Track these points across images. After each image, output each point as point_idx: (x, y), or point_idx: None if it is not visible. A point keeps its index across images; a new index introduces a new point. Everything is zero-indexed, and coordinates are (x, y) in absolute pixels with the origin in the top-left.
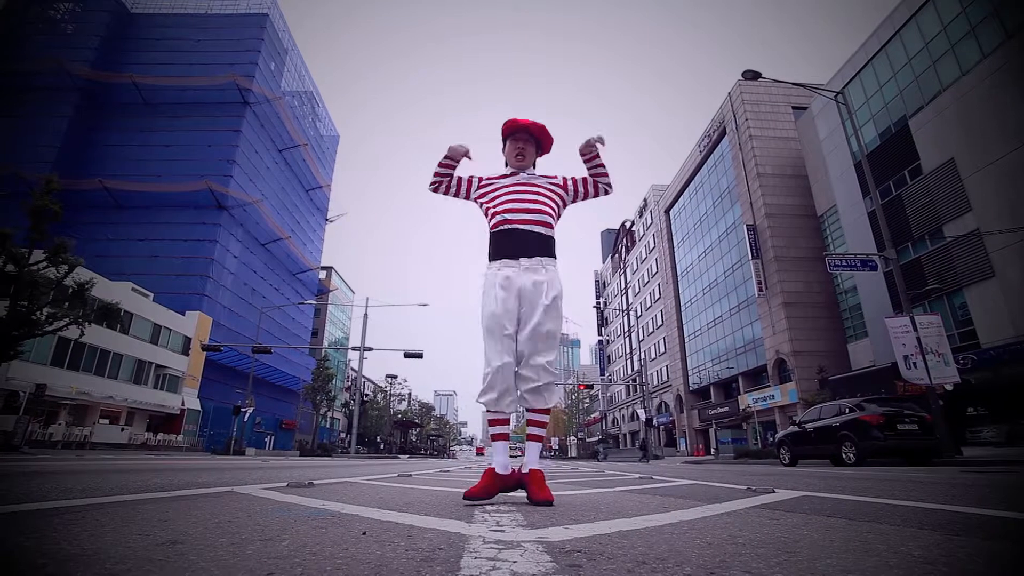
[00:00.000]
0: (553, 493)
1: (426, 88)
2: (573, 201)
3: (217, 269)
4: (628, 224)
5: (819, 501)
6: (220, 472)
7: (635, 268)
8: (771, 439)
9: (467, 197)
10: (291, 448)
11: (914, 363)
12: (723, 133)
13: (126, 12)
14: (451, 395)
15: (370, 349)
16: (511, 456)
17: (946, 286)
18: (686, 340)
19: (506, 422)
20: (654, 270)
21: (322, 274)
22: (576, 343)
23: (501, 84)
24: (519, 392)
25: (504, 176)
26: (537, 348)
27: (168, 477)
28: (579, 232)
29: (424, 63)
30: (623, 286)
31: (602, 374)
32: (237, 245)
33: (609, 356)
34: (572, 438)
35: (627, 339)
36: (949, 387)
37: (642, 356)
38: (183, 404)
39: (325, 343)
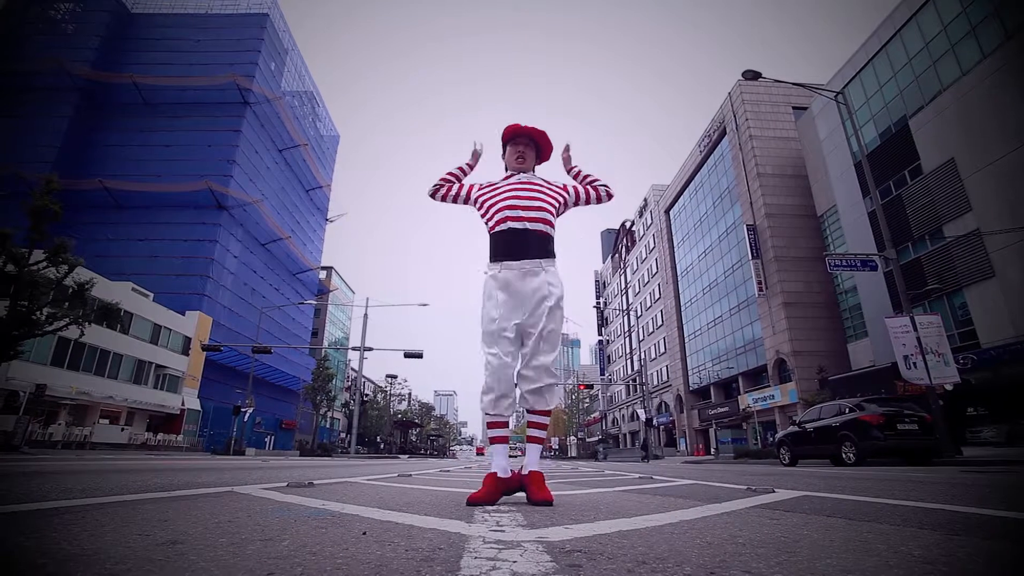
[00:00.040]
0: (553, 493)
1: (426, 88)
2: (575, 204)
3: (217, 269)
4: (628, 224)
5: (819, 501)
6: (220, 472)
7: (635, 268)
8: (771, 439)
9: (466, 202)
10: (291, 448)
11: (914, 363)
12: (723, 133)
13: (126, 12)
14: (451, 395)
15: (370, 349)
16: (511, 456)
17: (946, 286)
18: (686, 340)
19: (505, 425)
20: (654, 270)
21: (322, 274)
22: (576, 343)
23: (501, 84)
24: (520, 392)
25: (505, 179)
26: (539, 349)
27: (168, 477)
28: (579, 232)
29: (424, 63)
30: (623, 286)
31: (602, 374)
32: (237, 245)
33: (609, 356)
34: (572, 438)
35: (627, 339)
36: (949, 387)
37: (642, 356)
38: (183, 404)
39: (325, 343)
